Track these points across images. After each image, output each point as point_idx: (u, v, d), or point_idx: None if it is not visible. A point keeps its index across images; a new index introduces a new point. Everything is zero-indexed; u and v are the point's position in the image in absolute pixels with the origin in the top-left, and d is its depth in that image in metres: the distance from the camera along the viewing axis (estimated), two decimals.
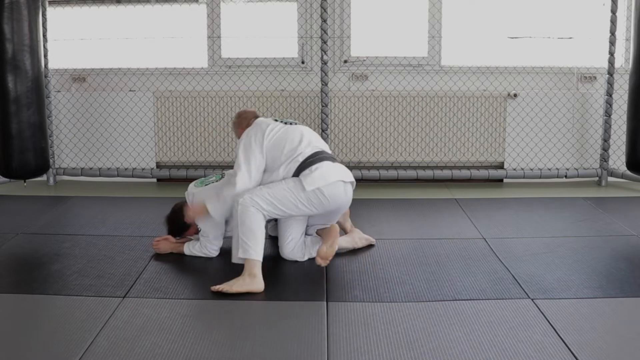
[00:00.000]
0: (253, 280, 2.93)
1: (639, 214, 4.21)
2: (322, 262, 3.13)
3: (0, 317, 2.66)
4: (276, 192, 3.07)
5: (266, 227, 3.66)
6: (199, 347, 2.39)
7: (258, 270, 2.96)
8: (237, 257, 3.05)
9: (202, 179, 3.51)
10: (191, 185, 3.47)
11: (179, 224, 3.42)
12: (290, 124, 3.36)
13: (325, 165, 3.17)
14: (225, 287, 2.91)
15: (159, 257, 3.37)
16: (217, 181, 3.38)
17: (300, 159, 3.17)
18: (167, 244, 3.41)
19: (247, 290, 2.90)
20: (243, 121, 3.46)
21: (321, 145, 3.33)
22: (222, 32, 5.20)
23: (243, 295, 2.92)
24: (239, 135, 3.44)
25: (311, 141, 3.28)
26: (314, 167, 3.14)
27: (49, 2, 5.13)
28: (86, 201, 4.62)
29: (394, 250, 3.50)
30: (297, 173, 3.14)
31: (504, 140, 5.16)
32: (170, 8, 5.25)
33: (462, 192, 4.90)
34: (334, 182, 3.13)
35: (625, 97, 4.86)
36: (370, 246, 3.53)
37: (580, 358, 2.29)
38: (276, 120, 3.36)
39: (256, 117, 3.47)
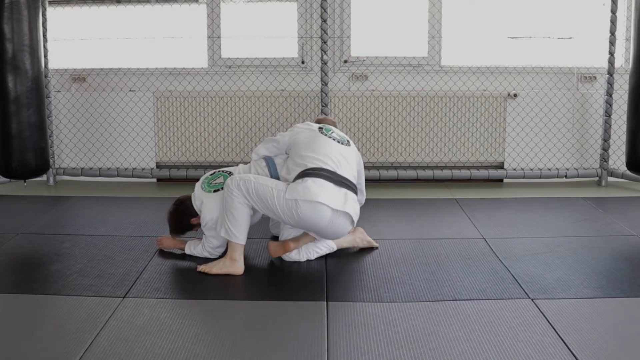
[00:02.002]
0: (233, 264, 3.09)
1: (639, 214, 4.21)
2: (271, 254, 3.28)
3: (0, 317, 2.66)
4: (263, 187, 3.06)
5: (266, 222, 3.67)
6: (199, 347, 2.39)
7: (239, 255, 3.10)
8: (220, 234, 3.18)
9: (209, 177, 3.37)
10: (198, 187, 3.33)
11: (183, 224, 3.36)
12: (336, 140, 3.31)
13: (321, 183, 3.04)
14: (207, 268, 3.11)
15: (159, 257, 3.37)
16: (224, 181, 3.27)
17: (304, 167, 3.11)
18: (170, 240, 3.40)
19: (226, 272, 3.08)
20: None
21: (344, 169, 3.17)
22: (222, 32, 5.20)
23: (243, 295, 2.92)
24: None
25: (331, 158, 3.15)
26: (310, 179, 3.04)
27: (49, 2, 5.13)
28: (86, 201, 4.62)
29: (394, 250, 3.49)
30: (296, 178, 3.11)
31: (504, 140, 5.16)
32: (170, 8, 5.26)
33: (462, 192, 4.90)
34: (316, 202, 2.98)
35: (625, 97, 4.86)
36: (371, 248, 3.52)
37: (580, 358, 2.29)
38: (321, 129, 3.37)
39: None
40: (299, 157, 3.19)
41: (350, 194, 3.12)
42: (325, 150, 3.20)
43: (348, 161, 3.25)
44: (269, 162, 3.39)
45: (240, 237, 3.10)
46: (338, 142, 3.31)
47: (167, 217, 3.41)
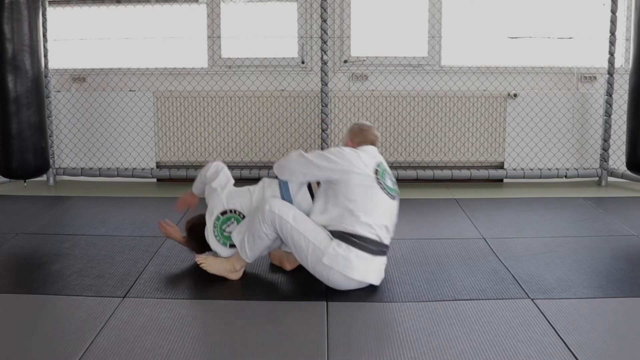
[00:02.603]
0: (233, 272, 3.02)
1: (639, 214, 4.21)
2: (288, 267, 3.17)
3: (0, 317, 2.66)
4: (300, 236, 2.82)
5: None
6: (199, 347, 2.39)
7: (241, 267, 3.03)
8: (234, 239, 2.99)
9: (222, 220, 3.07)
10: (211, 233, 3.07)
11: (205, 249, 3.20)
12: (390, 193, 2.95)
13: (364, 257, 2.80)
14: (206, 263, 3.03)
15: (159, 257, 3.37)
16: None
17: (352, 231, 2.80)
18: (176, 233, 3.31)
19: (223, 276, 3.02)
20: (358, 137, 3.11)
21: (389, 234, 2.95)
22: (222, 32, 5.20)
23: (243, 295, 2.91)
24: (344, 142, 3.16)
25: (381, 225, 2.87)
26: (354, 251, 2.78)
27: (49, 2, 5.13)
28: (86, 201, 4.62)
29: (394, 250, 3.48)
30: (337, 234, 2.82)
31: (504, 140, 5.16)
32: (170, 8, 5.26)
33: (462, 192, 4.90)
34: (350, 277, 2.79)
35: (625, 97, 4.86)
36: None
37: (580, 358, 2.29)
38: (377, 172, 2.92)
39: (373, 143, 3.11)
40: (349, 211, 2.83)
41: (383, 259, 2.94)
42: (379, 211, 2.88)
43: (393, 221, 3.02)
44: (282, 186, 3.07)
45: (250, 257, 2.96)
46: (391, 196, 2.96)
47: (187, 243, 3.29)
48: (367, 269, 2.83)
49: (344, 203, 2.85)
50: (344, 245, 2.80)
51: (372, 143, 3.12)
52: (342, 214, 2.84)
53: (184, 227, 3.33)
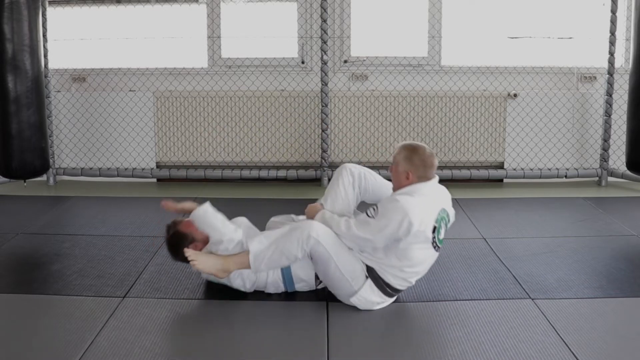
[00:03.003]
0: (224, 272, 2.75)
1: (639, 214, 4.21)
2: None
3: (0, 317, 2.66)
4: (337, 273, 2.68)
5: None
6: (198, 347, 2.39)
7: (234, 270, 2.76)
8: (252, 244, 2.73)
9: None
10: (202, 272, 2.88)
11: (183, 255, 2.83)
12: (437, 244, 2.73)
13: (387, 300, 2.77)
14: (197, 261, 2.70)
15: (159, 257, 3.36)
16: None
17: (391, 283, 2.72)
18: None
19: (211, 274, 2.76)
20: (420, 170, 2.72)
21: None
22: (222, 32, 5.20)
23: (242, 295, 2.90)
24: (398, 172, 2.75)
25: (418, 280, 2.83)
26: (382, 296, 2.74)
27: (49, 2, 5.12)
28: (86, 201, 4.62)
29: None
30: (374, 276, 2.71)
31: (504, 140, 5.16)
32: (170, 8, 5.25)
33: (462, 192, 4.90)
34: (366, 310, 2.76)
35: (625, 97, 4.86)
36: None
37: (580, 358, 2.29)
38: (434, 229, 2.67)
39: (429, 179, 2.74)
40: (397, 268, 2.71)
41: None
42: (424, 267, 2.79)
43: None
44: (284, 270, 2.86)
45: (257, 269, 2.74)
46: (437, 248, 2.76)
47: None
48: (386, 303, 2.79)
49: (393, 258, 2.70)
50: (376, 291, 2.71)
51: (428, 179, 2.76)
52: (390, 265, 2.70)
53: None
